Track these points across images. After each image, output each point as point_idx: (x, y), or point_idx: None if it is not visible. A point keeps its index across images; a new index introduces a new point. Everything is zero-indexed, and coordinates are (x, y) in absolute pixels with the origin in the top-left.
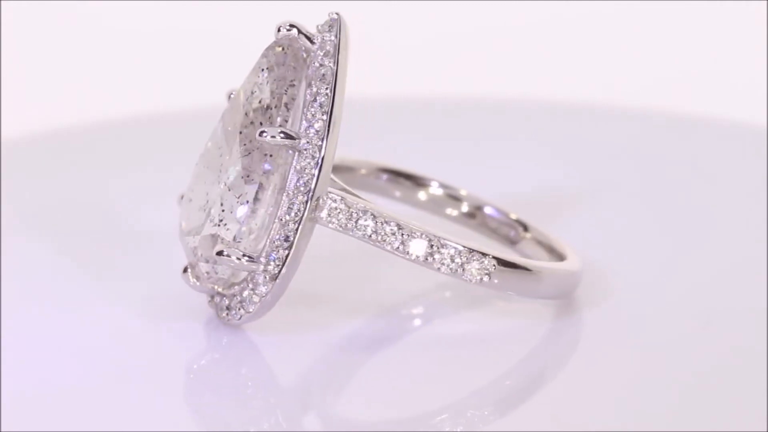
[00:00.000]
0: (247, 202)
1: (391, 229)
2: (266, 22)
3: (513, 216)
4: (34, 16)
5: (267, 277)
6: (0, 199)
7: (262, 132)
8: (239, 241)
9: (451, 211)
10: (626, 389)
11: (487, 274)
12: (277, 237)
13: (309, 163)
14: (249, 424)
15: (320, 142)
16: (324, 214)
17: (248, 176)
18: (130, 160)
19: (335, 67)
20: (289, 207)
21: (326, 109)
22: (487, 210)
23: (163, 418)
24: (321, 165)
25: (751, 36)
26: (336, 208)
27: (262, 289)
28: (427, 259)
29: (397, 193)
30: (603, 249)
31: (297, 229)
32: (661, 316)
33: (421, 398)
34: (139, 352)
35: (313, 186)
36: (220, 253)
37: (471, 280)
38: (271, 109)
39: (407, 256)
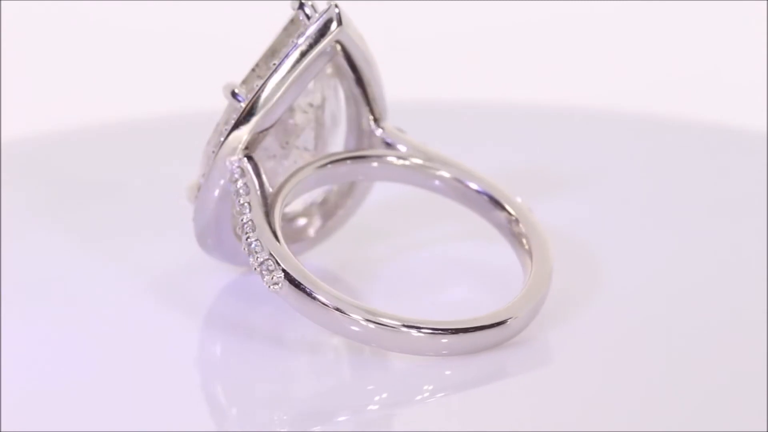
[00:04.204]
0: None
1: (241, 218)
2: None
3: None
4: (34, 17)
5: None
6: (0, 197)
7: (232, 91)
8: None
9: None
10: (614, 390)
11: (276, 283)
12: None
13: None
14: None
15: (241, 106)
16: (227, 176)
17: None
18: (131, 160)
19: (296, 43)
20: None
21: (264, 78)
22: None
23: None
24: (230, 126)
25: (751, 38)
26: (234, 176)
27: None
28: (244, 249)
29: (375, 164)
30: (598, 251)
31: (203, 180)
32: (654, 318)
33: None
34: (142, 342)
35: (217, 143)
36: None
37: (266, 285)
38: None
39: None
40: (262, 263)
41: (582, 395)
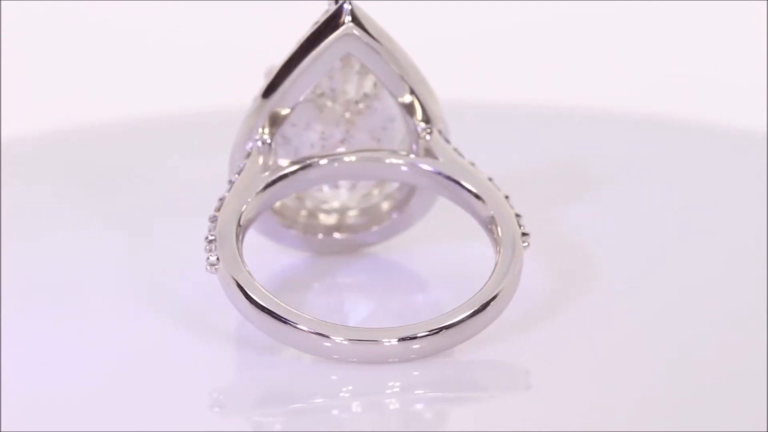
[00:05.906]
0: None
1: (221, 195)
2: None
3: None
4: (34, 16)
5: None
6: (0, 197)
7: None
8: None
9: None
10: (613, 391)
11: (212, 264)
12: None
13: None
14: None
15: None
16: (251, 155)
17: None
18: (131, 160)
19: (307, 35)
20: None
21: (277, 67)
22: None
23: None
24: (249, 110)
25: (751, 38)
26: (250, 156)
27: None
28: (206, 236)
29: (336, 164)
30: (598, 251)
31: (230, 159)
32: (654, 318)
33: None
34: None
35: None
36: None
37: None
38: None
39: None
40: (210, 241)
41: (580, 397)
